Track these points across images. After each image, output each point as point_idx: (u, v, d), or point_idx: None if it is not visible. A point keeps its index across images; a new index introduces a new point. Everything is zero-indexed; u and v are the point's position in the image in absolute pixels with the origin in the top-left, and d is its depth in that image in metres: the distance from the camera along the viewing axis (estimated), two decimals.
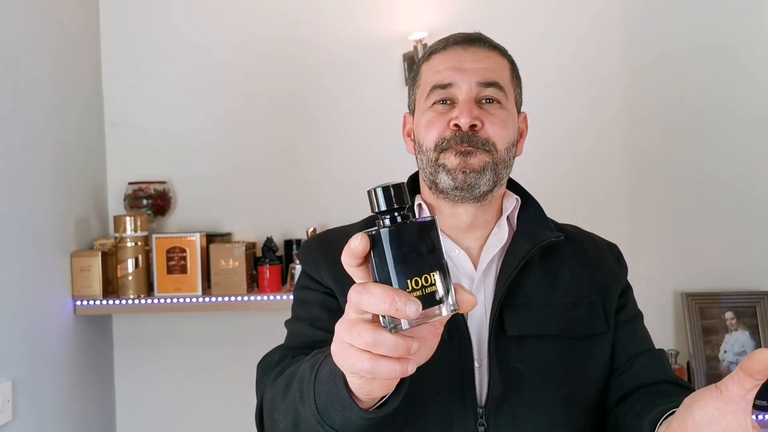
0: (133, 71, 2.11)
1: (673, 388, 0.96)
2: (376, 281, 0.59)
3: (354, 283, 0.61)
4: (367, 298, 0.58)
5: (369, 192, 0.61)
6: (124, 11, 2.11)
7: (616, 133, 2.04)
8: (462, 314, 0.93)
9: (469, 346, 0.93)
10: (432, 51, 1.02)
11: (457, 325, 0.93)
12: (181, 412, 2.10)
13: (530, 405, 0.92)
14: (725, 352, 1.92)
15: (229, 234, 2.07)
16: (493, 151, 0.96)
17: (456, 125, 0.95)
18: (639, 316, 1.06)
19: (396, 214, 0.60)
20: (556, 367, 0.94)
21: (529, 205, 1.05)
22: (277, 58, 2.09)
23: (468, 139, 0.94)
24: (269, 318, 2.03)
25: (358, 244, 0.59)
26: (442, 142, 0.96)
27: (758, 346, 1.91)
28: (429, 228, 0.60)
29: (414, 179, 1.08)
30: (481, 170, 0.95)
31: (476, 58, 0.98)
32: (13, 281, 1.61)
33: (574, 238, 1.05)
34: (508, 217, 1.03)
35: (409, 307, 0.56)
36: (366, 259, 0.60)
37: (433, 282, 0.59)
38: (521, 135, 1.06)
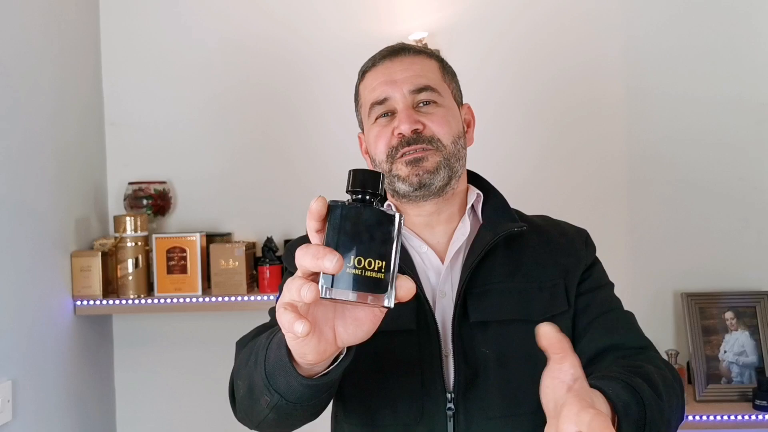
0: (133, 71, 2.11)
1: (616, 357, 0.97)
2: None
3: None
4: (303, 252, 0.61)
5: (349, 171, 0.64)
6: (124, 11, 2.11)
7: (617, 133, 2.04)
8: (428, 304, 0.98)
9: (437, 334, 0.97)
10: (364, 70, 1.09)
11: (424, 315, 0.97)
12: (181, 412, 2.10)
13: (497, 388, 0.96)
14: (725, 352, 1.91)
15: (229, 234, 2.07)
16: (441, 147, 1.00)
17: (400, 133, 1.00)
18: (604, 285, 1.08)
19: (367, 197, 0.63)
20: (518, 350, 0.97)
21: (492, 198, 1.09)
22: (276, 59, 2.09)
23: (414, 141, 0.99)
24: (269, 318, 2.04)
25: (314, 205, 0.62)
26: (392, 151, 1.01)
27: (758, 346, 1.91)
28: (389, 220, 0.62)
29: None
30: (435, 170, 0.99)
31: (404, 66, 1.04)
32: (13, 281, 1.61)
33: (541, 228, 1.09)
34: (474, 211, 1.08)
35: (327, 260, 0.59)
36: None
37: (375, 269, 0.61)
38: (468, 125, 1.11)
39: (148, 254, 1.92)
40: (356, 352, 0.75)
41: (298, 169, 2.09)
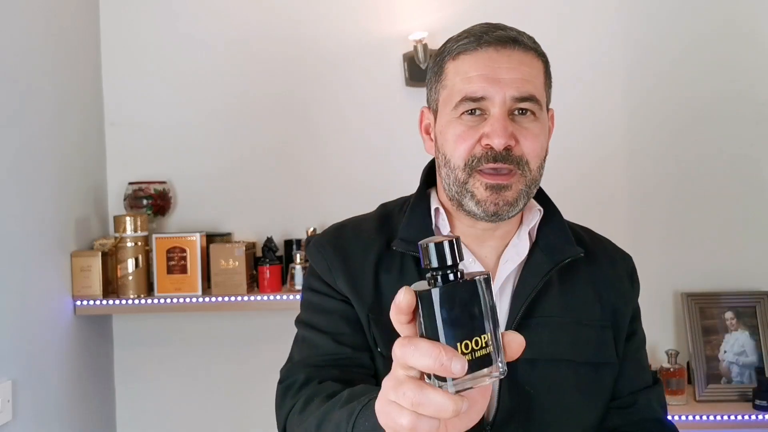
0: (133, 71, 2.11)
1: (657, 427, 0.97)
2: (422, 336, 0.56)
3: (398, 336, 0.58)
4: (412, 351, 0.55)
5: (420, 245, 0.57)
6: (124, 11, 2.10)
7: (617, 134, 2.04)
8: None
9: None
10: (460, 50, 0.93)
11: None
12: (181, 412, 2.10)
13: (537, 428, 0.91)
14: (725, 352, 1.91)
15: (229, 234, 2.07)
16: (527, 171, 0.90)
17: (488, 144, 0.88)
18: (643, 343, 1.04)
19: (448, 271, 0.56)
20: (565, 392, 0.92)
21: (551, 216, 0.99)
22: (277, 58, 2.09)
23: (501, 158, 0.88)
24: (269, 318, 2.04)
25: (402, 299, 0.55)
26: (472, 161, 0.89)
27: (758, 346, 1.91)
28: (482, 286, 0.56)
29: (430, 170, 1.02)
30: (515, 202, 0.90)
31: (511, 64, 0.90)
32: (13, 281, 1.61)
33: (590, 252, 1.00)
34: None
35: (455, 364, 0.53)
36: (414, 314, 0.57)
37: (484, 345, 0.55)
38: (549, 133, 1.01)
39: (148, 254, 1.91)
40: None
41: (298, 169, 2.09)
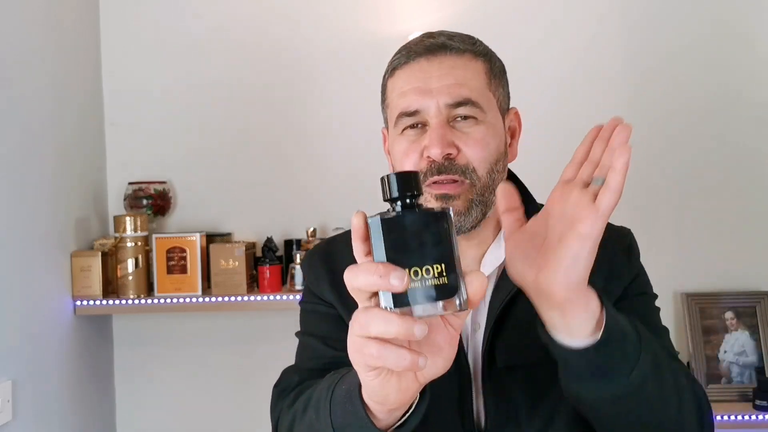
0: (133, 71, 2.11)
1: None
2: None
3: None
4: (355, 272, 0.57)
5: (381, 178, 0.59)
6: (124, 11, 2.10)
7: None
8: (461, 342, 0.88)
9: (468, 377, 0.89)
10: (395, 66, 0.92)
11: (457, 354, 0.91)
12: (181, 412, 2.10)
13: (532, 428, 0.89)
14: (725, 352, 1.91)
15: (229, 234, 2.07)
16: (475, 178, 0.88)
17: (429, 156, 0.87)
18: (642, 295, 0.98)
19: (407, 200, 0.58)
20: (548, 393, 0.89)
21: (530, 212, 0.99)
22: (276, 59, 2.09)
23: (445, 169, 0.87)
24: (269, 318, 2.04)
25: (355, 218, 0.58)
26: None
27: (758, 346, 1.91)
28: (437, 218, 0.57)
29: None
30: (467, 211, 0.88)
31: (443, 71, 0.88)
32: (13, 281, 1.61)
33: None
34: None
35: (393, 278, 0.54)
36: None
37: (436, 275, 0.56)
38: (513, 134, 0.98)
39: (148, 254, 1.91)
40: None
41: (298, 169, 2.09)
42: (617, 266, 0.95)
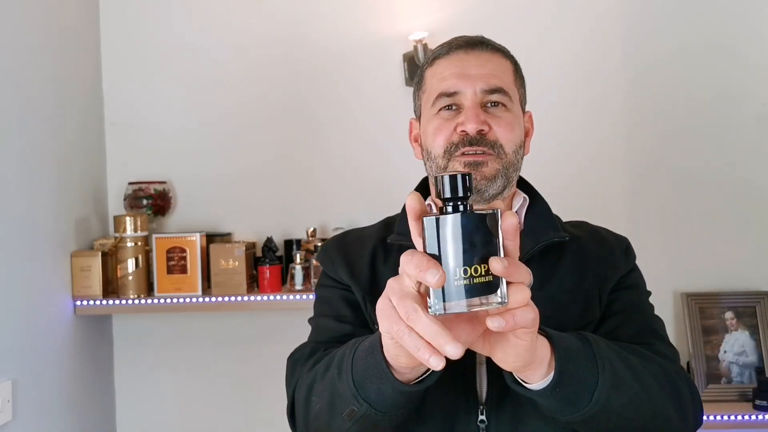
0: (133, 71, 2.11)
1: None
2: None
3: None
4: (408, 259, 0.62)
5: (435, 176, 0.63)
6: (124, 11, 2.10)
7: (617, 134, 2.04)
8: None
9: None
10: (435, 56, 1.03)
11: None
12: (181, 412, 2.10)
13: (529, 400, 0.92)
14: (725, 352, 1.92)
15: (229, 234, 2.07)
16: (502, 154, 0.97)
17: (463, 131, 0.97)
18: (635, 287, 1.04)
19: (459, 202, 0.62)
20: None
21: (536, 204, 1.05)
22: (276, 58, 2.09)
23: (477, 142, 0.96)
24: (269, 318, 2.04)
25: (410, 199, 0.63)
26: (451, 147, 0.97)
27: (758, 346, 1.91)
28: (486, 220, 0.61)
29: (425, 184, 1.10)
30: (493, 178, 0.96)
31: (479, 62, 0.99)
32: (13, 281, 1.61)
33: (579, 238, 1.05)
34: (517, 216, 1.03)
35: (431, 274, 0.59)
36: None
37: (482, 273, 0.60)
38: (527, 134, 1.07)
39: (148, 254, 1.91)
40: None
41: (298, 168, 2.09)
42: (615, 258, 1.04)
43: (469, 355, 0.91)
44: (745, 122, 2.01)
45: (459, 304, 0.61)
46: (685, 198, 2.02)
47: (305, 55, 2.08)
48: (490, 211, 0.62)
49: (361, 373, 0.75)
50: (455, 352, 0.60)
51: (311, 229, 1.96)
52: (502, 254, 0.62)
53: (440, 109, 1.00)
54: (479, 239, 0.61)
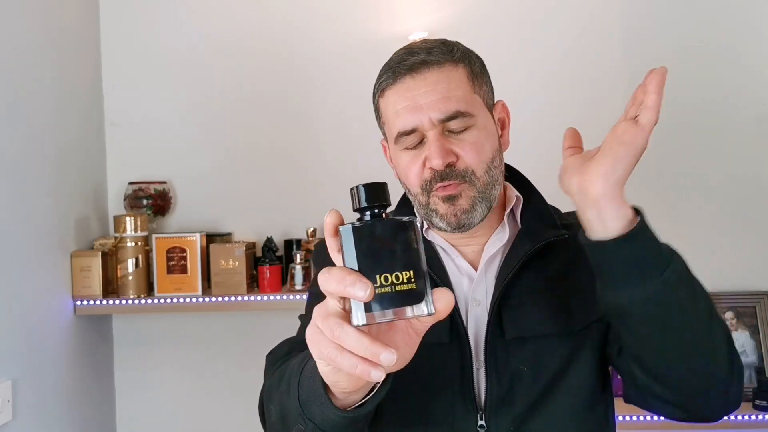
0: (133, 71, 2.11)
1: None
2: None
3: None
4: (327, 276, 0.60)
5: (351, 189, 0.63)
6: (124, 11, 2.11)
7: None
8: (460, 316, 0.94)
9: (468, 349, 0.93)
10: (383, 86, 0.99)
11: (456, 327, 0.93)
12: (181, 412, 2.10)
13: (531, 406, 0.92)
14: None
15: (229, 234, 2.07)
16: (474, 179, 0.94)
17: (432, 167, 0.94)
18: None
19: (375, 210, 0.62)
20: (556, 365, 0.93)
21: (532, 202, 1.04)
22: (276, 59, 2.09)
23: (447, 176, 0.93)
24: (269, 318, 2.04)
25: (328, 217, 0.62)
26: (425, 185, 0.95)
27: (758, 346, 1.91)
28: (405, 228, 0.60)
29: (406, 199, 1.07)
30: (471, 208, 0.94)
31: (428, 87, 0.93)
32: (13, 281, 1.61)
33: (575, 227, 1.02)
34: (512, 215, 1.02)
35: (358, 288, 0.57)
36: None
37: (404, 281, 0.58)
38: (503, 125, 1.04)
39: (148, 254, 1.92)
40: None
41: (298, 168, 2.09)
42: None
43: (467, 360, 0.93)
44: (745, 123, 2.01)
45: (383, 313, 0.58)
46: (684, 198, 2.02)
47: (305, 55, 2.08)
48: (407, 219, 0.61)
49: (306, 394, 0.73)
50: (390, 358, 0.58)
51: (311, 229, 1.96)
52: (423, 263, 0.60)
53: (405, 148, 0.97)
54: (398, 246, 0.59)
